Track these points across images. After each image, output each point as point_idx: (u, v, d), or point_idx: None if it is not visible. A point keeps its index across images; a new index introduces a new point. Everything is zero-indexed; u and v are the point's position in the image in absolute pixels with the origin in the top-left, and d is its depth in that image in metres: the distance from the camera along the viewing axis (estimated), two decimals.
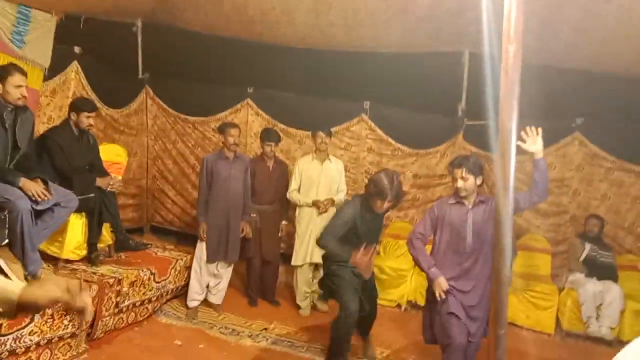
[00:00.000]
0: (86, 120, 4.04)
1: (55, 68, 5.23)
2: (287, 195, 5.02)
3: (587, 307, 4.88)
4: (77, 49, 5.59)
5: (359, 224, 3.58)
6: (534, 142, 3.14)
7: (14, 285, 1.33)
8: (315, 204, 4.92)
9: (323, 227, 3.65)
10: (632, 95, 4.97)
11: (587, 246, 5.23)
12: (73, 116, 4.06)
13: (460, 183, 3.32)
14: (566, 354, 4.67)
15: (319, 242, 3.61)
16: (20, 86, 3.32)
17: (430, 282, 3.46)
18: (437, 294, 3.35)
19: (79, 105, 4.09)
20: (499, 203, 2.26)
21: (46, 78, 5.13)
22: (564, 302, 5.06)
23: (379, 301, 5.24)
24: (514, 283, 5.19)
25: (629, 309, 4.85)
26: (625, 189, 5.52)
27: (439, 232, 3.47)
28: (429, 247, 3.60)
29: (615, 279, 5.04)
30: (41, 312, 3.15)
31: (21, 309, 1.31)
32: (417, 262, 3.54)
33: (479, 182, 3.36)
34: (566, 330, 5.01)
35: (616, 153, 5.46)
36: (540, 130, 3.16)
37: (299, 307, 5.05)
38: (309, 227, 4.92)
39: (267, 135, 5.00)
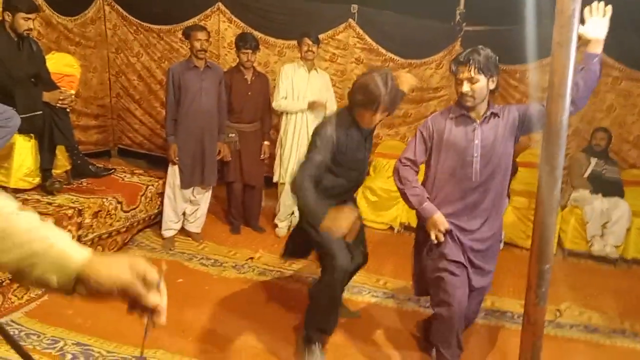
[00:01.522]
0: (24, 22, 3.34)
1: None
2: (274, 105, 4.43)
3: (592, 225, 4.63)
4: None
5: (343, 148, 2.65)
6: (598, 26, 2.24)
7: (78, 253, 0.89)
8: (311, 105, 4.39)
9: (298, 165, 2.64)
10: None
11: (593, 161, 4.91)
12: (7, 17, 3.35)
13: (465, 87, 2.41)
14: (569, 273, 4.44)
15: (295, 186, 2.54)
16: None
17: (423, 221, 2.65)
18: (433, 236, 2.56)
19: (13, 2, 3.36)
20: (552, 108, 1.81)
21: None
22: (566, 220, 4.80)
23: (369, 224, 4.98)
24: (513, 201, 4.91)
25: (634, 226, 4.63)
26: (632, 100, 5.20)
27: (435, 156, 2.62)
28: (421, 177, 2.78)
29: (622, 195, 4.77)
30: None
31: (81, 286, 0.88)
32: (404, 198, 2.68)
33: (492, 85, 2.46)
34: (568, 249, 4.79)
35: (625, 61, 5.05)
36: (609, 9, 2.23)
37: (275, 226, 4.71)
38: (297, 139, 4.45)
39: (243, 41, 4.32)
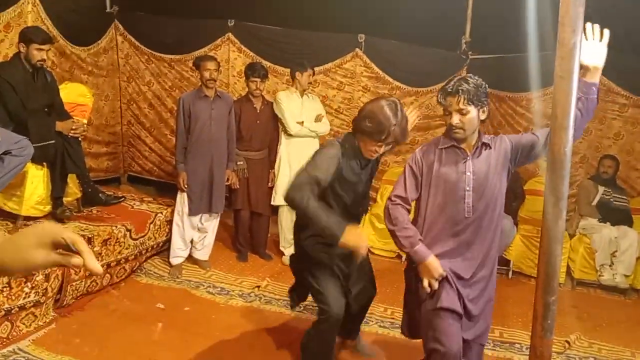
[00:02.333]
0: (37, 53, 3.43)
1: None
2: (294, 132, 4.46)
3: (601, 254, 4.59)
4: None
5: (342, 177, 2.45)
6: (596, 52, 2.09)
7: None
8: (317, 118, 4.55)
9: (294, 176, 2.43)
10: None
11: (600, 189, 4.90)
12: (22, 49, 3.45)
13: (455, 119, 2.25)
14: (578, 304, 4.39)
15: (290, 196, 2.30)
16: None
17: (415, 265, 2.40)
18: (425, 283, 2.32)
19: (28, 35, 3.46)
20: (555, 140, 1.83)
21: None
22: (575, 250, 4.77)
23: (376, 252, 4.97)
24: (521, 230, 4.90)
25: None
26: None
27: (425, 191, 2.42)
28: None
29: (630, 224, 4.74)
30: None
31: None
32: (395, 240, 2.42)
33: (483, 116, 2.31)
34: (577, 278, 4.74)
35: (631, 88, 5.06)
36: (607, 33, 2.09)
37: (282, 254, 4.69)
38: (295, 162, 4.38)
39: (252, 70, 4.43)
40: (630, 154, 5.20)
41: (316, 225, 2.27)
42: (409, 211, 2.44)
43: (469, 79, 2.28)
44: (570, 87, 1.76)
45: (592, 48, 2.08)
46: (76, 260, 0.87)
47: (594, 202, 4.88)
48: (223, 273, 4.31)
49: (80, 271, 0.92)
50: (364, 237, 2.23)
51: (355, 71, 5.49)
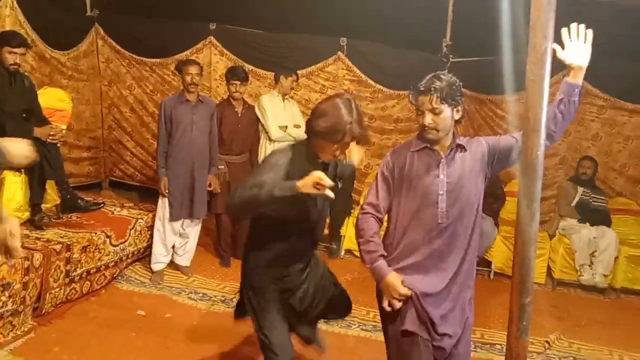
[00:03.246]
0: (10, 56, 3.38)
1: None
2: (276, 137, 4.49)
3: (580, 254, 4.66)
4: None
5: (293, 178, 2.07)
6: (579, 52, 2.00)
7: None
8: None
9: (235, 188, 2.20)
10: (625, 28, 4.59)
11: (579, 190, 4.97)
12: None
13: (428, 118, 2.11)
14: (558, 303, 4.45)
15: (227, 204, 2.16)
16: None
17: (377, 282, 2.24)
18: (385, 303, 2.18)
19: (1, 38, 3.42)
20: (527, 144, 1.85)
21: None
22: (555, 250, 4.84)
23: (357, 252, 4.95)
24: (502, 231, 4.95)
25: (622, 255, 4.67)
26: (617, 129, 5.27)
27: (397, 196, 2.26)
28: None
29: (609, 224, 4.82)
30: None
31: None
32: (360, 252, 2.29)
33: (457, 115, 2.17)
34: (558, 279, 4.81)
35: (608, 90, 5.16)
36: (590, 33, 2.00)
37: None
38: None
39: (232, 73, 4.44)
40: (608, 155, 5.28)
41: (263, 196, 1.95)
42: (380, 220, 2.29)
43: (442, 76, 2.14)
44: (542, 91, 1.79)
45: (575, 48, 2.00)
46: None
47: (573, 203, 4.95)
48: (205, 279, 4.29)
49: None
50: (319, 175, 1.92)
51: (337, 74, 5.51)
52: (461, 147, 2.22)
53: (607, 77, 4.97)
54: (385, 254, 2.24)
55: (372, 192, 2.31)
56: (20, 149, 1.64)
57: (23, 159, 1.65)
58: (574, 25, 2.00)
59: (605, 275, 4.61)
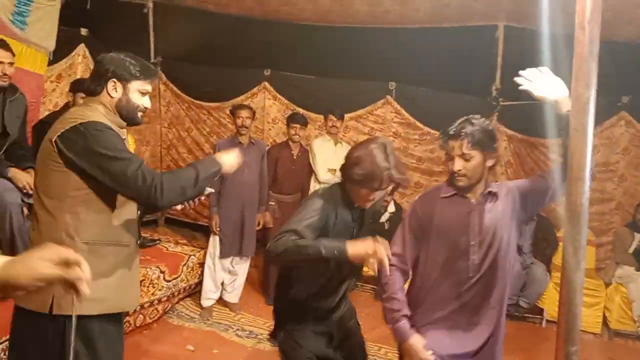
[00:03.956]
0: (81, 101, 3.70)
1: (61, 51, 5.02)
2: (323, 179, 4.59)
3: (638, 304, 4.45)
4: (84, 31, 5.38)
5: (330, 229, 2.05)
6: (551, 85, 1.88)
7: None
8: None
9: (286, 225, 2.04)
10: None
11: (637, 236, 4.79)
12: (70, 97, 3.73)
13: (458, 164, 2.00)
14: (615, 355, 4.25)
15: (273, 251, 1.93)
16: (1, 62, 2.98)
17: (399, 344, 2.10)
18: None
19: (75, 85, 3.75)
20: (571, 191, 1.87)
21: (51, 62, 4.87)
22: (611, 299, 4.64)
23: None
24: (554, 277, 4.81)
25: None
26: None
27: (425, 246, 2.11)
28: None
29: None
30: None
31: (3, 291, 1.01)
32: (383, 308, 2.15)
33: (490, 162, 2.05)
34: (614, 329, 4.59)
35: None
36: (545, 69, 1.92)
37: None
38: None
39: (293, 118, 4.73)
40: None
41: (312, 255, 1.85)
42: (406, 272, 2.15)
43: (474, 120, 2.02)
44: (585, 140, 1.81)
45: (546, 83, 1.89)
46: (74, 272, 1.01)
47: (631, 250, 4.77)
48: (252, 316, 4.36)
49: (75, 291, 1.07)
50: (372, 242, 1.82)
51: (386, 117, 5.62)
52: (493, 194, 2.08)
53: None
54: (409, 313, 2.08)
55: (397, 241, 2.16)
56: None
57: None
58: (530, 72, 1.93)
59: None
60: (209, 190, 2.01)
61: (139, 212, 2.02)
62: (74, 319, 1.57)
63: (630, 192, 5.15)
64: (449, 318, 2.06)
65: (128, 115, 1.93)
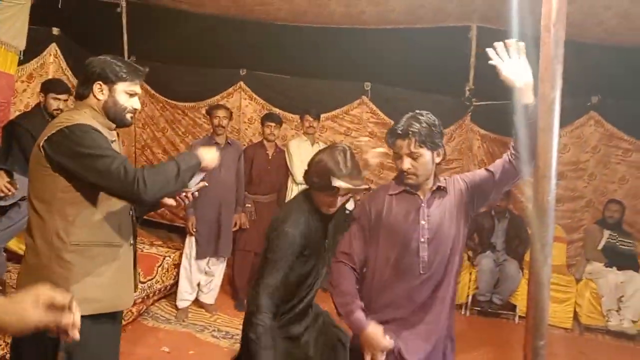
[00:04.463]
0: (54, 102, 3.63)
1: (32, 51, 4.92)
2: (298, 180, 4.56)
3: (607, 299, 4.59)
4: (55, 31, 5.30)
5: (306, 242, 2.07)
6: (520, 68, 1.81)
7: None
8: None
9: (264, 273, 2.03)
10: None
11: (606, 233, 4.92)
12: (42, 98, 3.67)
13: (406, 163, 1.97)
14: (585, 350, 4.35)
15: (254, 311, 1.98)
16: None
17: (356, 336, 2.06)
18: (368, 359, 1.96)
19: (46, 85, 3.71)
20: (538, 189, 1.92)
21: (21, 62, 4.79)
22: (582, 295, 4.76)
23: None
24: (527, 275, 4.89)
25: None
26: None
27: (374, 244, 2.07)
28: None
29: (636, 268, 4.74)
30: None
31: None
32: (334, 305, 2.09)
33: (438, 159, 2.02)
34: (585, 324, 4.71)
35: (634, 133, 5.16)
36: (523, 46, 1.83)
37: None
38: None
39: (268, 117, 4.72)
40: (636, 198, 5.23)
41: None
42: (354, 270, 2.10)
43: (420, 117, 1.99)
44: (551, 139, 1.85)
45: (517, 66, 1.82)
46: (66, 319, 1.03)
47: (600, 247, 4.90)
48: (228, 317, 4.36)
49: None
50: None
51: (362, 117, 5.66)
52: (442, 189, 2.05)
53: (631, 120, 5.01)
54: (362, 304, 2.03)
55: (345, 240, 2.13)
56: None
57: None
58: (512, 42, 1.83)
59: (634, 322, 4.51)
60: (202, 183, 2.02)
61: (131, 212, 2.02)
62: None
63: (600, 190, 5.29)
64: (402, 318, 2.03)
65: (116, 117, 1.94)
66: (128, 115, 1.97)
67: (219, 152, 2.08)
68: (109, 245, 1.90)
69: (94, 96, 1.90)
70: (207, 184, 2.08)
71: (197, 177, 2.00)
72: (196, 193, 2.08)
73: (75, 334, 1.06)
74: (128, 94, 1.94)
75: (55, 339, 1.70)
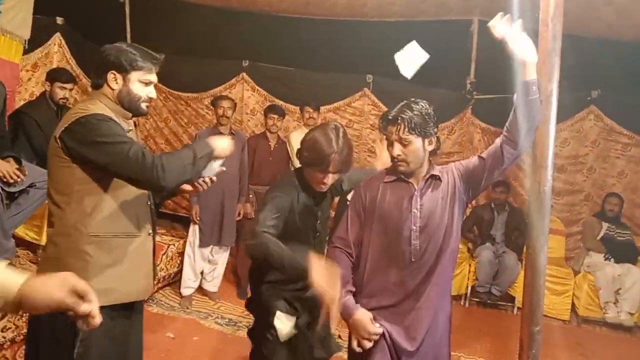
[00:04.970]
0: (60, 91, 3.69)
1: (36, 40, 4.96)
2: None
3: (605, 291, 4.64)
4: (59, 20, 5.34)
5: (296, 215, 2.17)
6: (525, 44, 1.81)
7: (15, 278, 1.07)
8: None
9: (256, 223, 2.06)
10: None
11: (604, 225, 4.97)
12: (47, 87, 3.73)
13: (396, 149, 1.97)
14: (583, 341, 4.41)
15: (253, 244, 2.00)
16: None
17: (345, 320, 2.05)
18: (354, 343, 1.97)
19: (53, 75, 3.77)
20: (535, 179, 1.97)
21: (26, 51, 4.82)
22: (580, 287, 4.81)
23: None
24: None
25: None
26: None
27: (367, 230, 2.09)
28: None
29: (634, 261, 4.79)
30: None
31: (19, 308, 1.08)
32: None
33: (430, 147, 2.02)
34: (582, 316, 4.77)
35: (634, 128, 5.20)
36: (520, 22, 1.84)
37: None
38: None
39: (271, 109, 4.78)
40: (634, 192, 5.28)
41: (279, 264, 1.93)
42: (349, 255, 2.12)
43: (413, 105, 1.99)
44: (548, 131, 1.91)
45: (524, 41, 1.81)
46: (85, 307, 1.09)
47: (599, 238, 4.94)
48: (232, 304, 4.42)
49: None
50: (335, 279, 1.84)
51: (363, 109, 5.70)
52: (436, 177, 2.05)
53: (631, 114, 5.04)
54: (354, 289, 2.07)
55: (342, 225, 2.15)
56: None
57: None
58: (518, 20, 1.82)
59: (631, 314, 4.57)
60: (220, 168, 2.00)
61: (149, 201, 2.01)
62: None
63: (599, 184, 5.34)
64: (394, 304, 2.03)
65: (130, 106, 1.92)
66: (143, 105, 1.95)
67: (232, 140, 2.05)
68: (127, 235, 1.89)
69: (108, 85, 1.88)
70: (225, 169, 2.06)
71: (216, 164, 1.99)
72: (214, 178, 2.07)
73: (93, 323, 1.11)
74: (143, 83, 1.92)
75: (74, 329, 1.75)
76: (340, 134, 2.12)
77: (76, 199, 1.79)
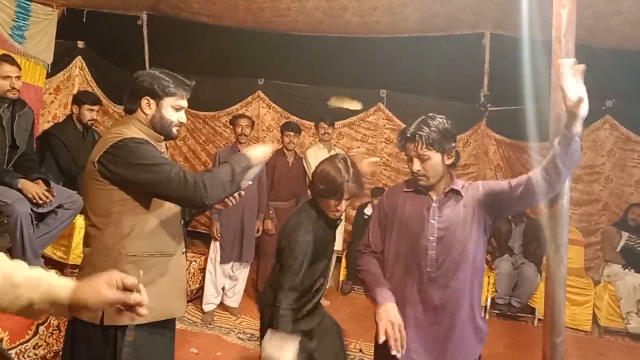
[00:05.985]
0: (88, 113, 3.81)
1: (59, 64, 5.14)
2: None
3: (626, 301, 4.60)
4: (80, 44, 5.51)
5: (318, 245, 2.28)
6: (582, 94, 1.60)
7: (63, 284, 1.16)
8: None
9: (282, 280, 2.19)
10: None
11: (624, 235, 4.95)
12: (75, 110, 3.85)
13: (416, 165, 2.01)
14: (605, 352, 4.39)
15: (278, 310, 2.13)
16: (9, 77, 3.07)
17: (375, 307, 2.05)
18: (382, 329, 1.88)
19: (80, 97, 3.89)
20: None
21: (49, 75, 4.99)
22: (600, 297, 4.78)
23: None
24: (544, 277, 4.94)
25: None
26: None
27: (388, 238, 2.15)
28: None
29: None
30: (45, 324, 2.94)
31: (73, 310, 1.16)
32: (362, 285, 2.21)
33: (448, 161, 2.03)
34: (604, 326, 4.73)
35: None
36: (583, 68, 1.66)
37: None
38: None
39: (287, 126, 4.85)
40: None
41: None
42: (378, 257, 2.19)
43: (430, 121, 2.01)
44: None
45: (578, 93, 1.62)
46: (135, 296, 1.18)
47: (618, 248, 4.92)
48: (253, 320, 4.45)
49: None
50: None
51: (378, 124, 5.77)
52: (456, 192, 2.06)
53: None
54: (389, 285, 2.08)
55: (366, 234, 2.25)
56: None
57: None
58: (574, 64, 1.68)
59: None
60: (248, 182, 2.03)
61: (182, 221, 2.08)
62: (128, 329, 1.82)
63: (616, 193, 5.33)
64: (413, 317, 2.05)
65: (163, 130, 1.98)
66: (174, 129, 2.02)
67: (267, 147, 2.08)
68: (163, 254, 1.95)
69: (142, 111, 1.94)
70: (251, 182, 2.07)
71: (252, 172, 2.02)
72: (243, 192, 2.13)
73: (144, 311, 1.19)
74: (174, 108, 1.99)
75: (112, 349, 1.85)
76: (349, 163, 2.26)
77: (114, 221, 1.85)
